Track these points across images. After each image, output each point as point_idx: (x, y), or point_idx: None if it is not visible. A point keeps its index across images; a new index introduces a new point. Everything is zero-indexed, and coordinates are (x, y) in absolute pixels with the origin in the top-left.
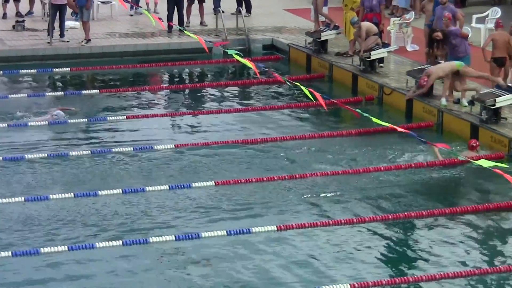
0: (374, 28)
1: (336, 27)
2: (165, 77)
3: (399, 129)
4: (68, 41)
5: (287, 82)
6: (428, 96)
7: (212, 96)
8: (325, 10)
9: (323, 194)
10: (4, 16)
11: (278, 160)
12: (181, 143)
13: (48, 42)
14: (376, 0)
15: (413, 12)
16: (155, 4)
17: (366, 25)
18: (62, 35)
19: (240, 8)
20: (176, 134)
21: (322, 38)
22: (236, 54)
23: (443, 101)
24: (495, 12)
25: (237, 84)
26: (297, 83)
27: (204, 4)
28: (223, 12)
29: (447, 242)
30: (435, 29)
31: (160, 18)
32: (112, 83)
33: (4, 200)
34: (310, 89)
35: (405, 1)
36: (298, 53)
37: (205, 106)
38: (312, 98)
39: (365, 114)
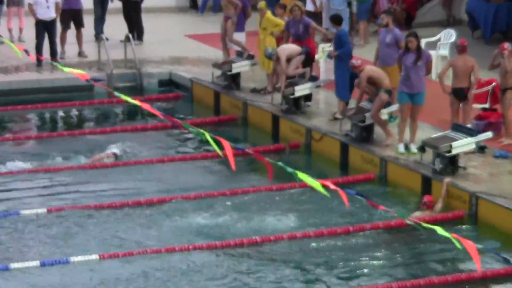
0: (296, 49)
1: (250, 57)
2: (34, 122)
3: (332, 186)
4: None
5: (189, 129)
6: (368, 142)
7: (94, 146)
8: (240, 37)
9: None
10: None
11: (171, 226)
12: (54, 207)
13: None
14: (302, 27)
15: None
16: (20, 30)
17: (285, 50)
18: None
19: (130, 34)
20: (48, 194)
21: (234, 71)
22: (124, 95)
23: (401, 148)
24: (448, 35)
25: (126, 130)
26: (201, 130)
27: (82, 29)
28: (107, 39)
29: None
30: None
31: (26, 50)
32: None
33: None
34: (219, 138)
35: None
36: (203, 90)
37: (84, 159)
38: (218, 150)
39: (289, 169)
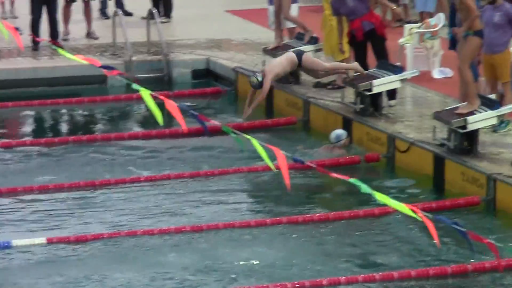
0: (290, 60)
1: (313, 40)
2: (30, 124)
3: (421, 213)
4: None
5: (231, 134)
6: (471, 154)
7: (109, 156)
8: (292, 9)
9: None
10: None
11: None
12: (58, 236)
13: None
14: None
15: (442, 15)
16: (11, 3)
17: (275, 67)
18: None
19: (155, 9)
20: (55, 218)
21: None
22: (144, 90)
23: None
24: None
25: (150, 135)
26: (247, 136)
27: (92, 2)
28: (127, 14)
29: None
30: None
31: (17, 29)
32: None
33: None
34: (271, 146)
35: (428, 2)
36: None
37: (100, 173)
38: (269, 163)
39: (365, 188)
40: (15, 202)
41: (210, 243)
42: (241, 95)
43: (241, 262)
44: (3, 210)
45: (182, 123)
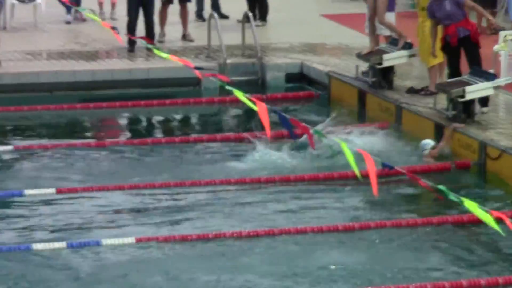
0: None
1: (407, 46)
2: (124, 125)
3: (508, 221)
4: None
5: (322, 138)
6: None
7: (201, 158)
8: (390, 17)
9: None
10: None
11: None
12: (146, 236)
13: None
14: (450, 4)
15: None
16: (112, 5)
17: None
18: None
19: (250, 12)
20: (144, 217)
21: (385, 64)
22: (237, 91)
23: None
24: None
25: (241, 138)
26: (337, 140)
27: (188, 3)
28: (223, 17)
29: None
30: None
31: (114, 28)
32: (35, 135)
33: None
34: (361, 151)
35: None
36: (344, 88)
37: (190, 174)
38: (356, 169)
39: (452, 196)
40: (106, 200)
41: (297, 247)
42: (334, 100)
43: (328, 267)
44: (94, 208)
45: (267, 129)
